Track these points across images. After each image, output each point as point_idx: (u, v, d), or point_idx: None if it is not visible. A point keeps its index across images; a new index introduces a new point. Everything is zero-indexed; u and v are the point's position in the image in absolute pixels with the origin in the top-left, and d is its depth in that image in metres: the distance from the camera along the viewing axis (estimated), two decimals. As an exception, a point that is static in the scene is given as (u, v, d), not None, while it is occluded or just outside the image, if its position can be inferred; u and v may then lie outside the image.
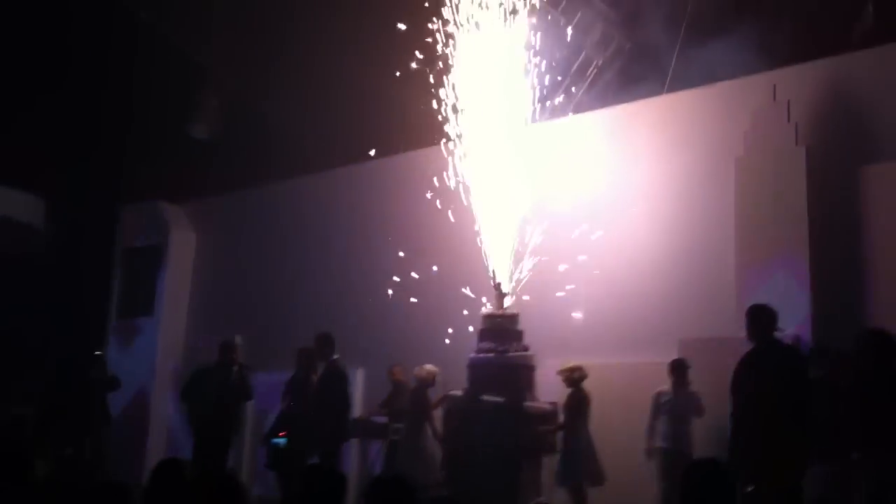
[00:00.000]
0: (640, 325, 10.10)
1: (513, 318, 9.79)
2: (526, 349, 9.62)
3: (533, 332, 9.87)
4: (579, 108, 11.13)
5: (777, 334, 7.13)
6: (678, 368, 9.09)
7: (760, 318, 7.07)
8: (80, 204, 15.29)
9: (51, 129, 12.48)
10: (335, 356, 9.88)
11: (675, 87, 10.83)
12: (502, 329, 9.66)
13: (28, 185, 15.79)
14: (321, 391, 9.78)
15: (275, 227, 14.15)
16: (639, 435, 9.26)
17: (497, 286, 9.94)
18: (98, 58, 11.50)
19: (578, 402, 9.26)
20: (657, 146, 10.64)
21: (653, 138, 10.69)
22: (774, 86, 9.78)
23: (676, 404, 9.01)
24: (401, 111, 10.07)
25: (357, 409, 11.01)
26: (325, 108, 10.78)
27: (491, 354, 9.46)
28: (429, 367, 10.04)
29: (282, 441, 9.71)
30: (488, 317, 9.80)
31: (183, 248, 15.16)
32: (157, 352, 14.65)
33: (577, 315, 10.45)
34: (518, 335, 9.69)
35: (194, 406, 10.53)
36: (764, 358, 6.91)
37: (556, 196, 10.65)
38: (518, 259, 10.12)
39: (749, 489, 6.38)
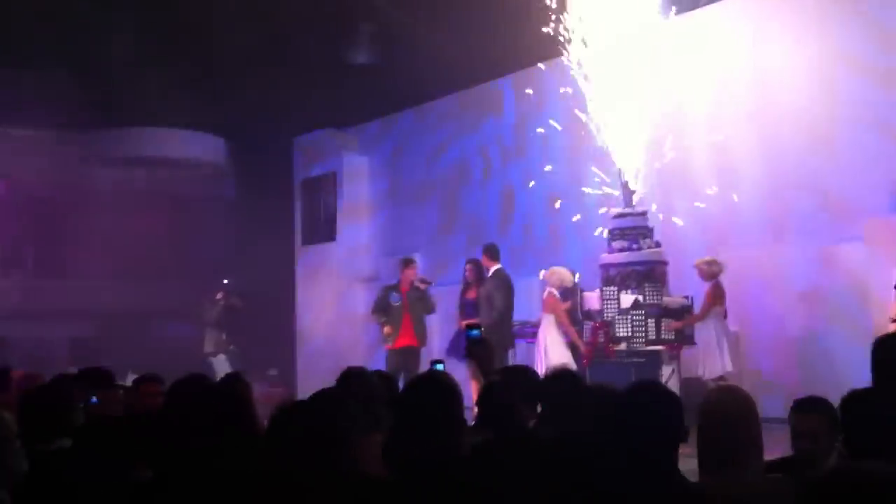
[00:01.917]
0: (819, 209, 9.76)
1: (642, 216, 9.78)
2: (658, 245, 9.61)
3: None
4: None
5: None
6: None
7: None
8: (258, 139, 15.97)
9: (222, 70, 13.00)
10: (497, 266, 10.05)
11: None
12: (633, 227, 9.69)
13: (210, 126, 16.69)
14: (485, 300, 10.00)
15: (438, 144, 14.44)
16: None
17: (625, 184, 9.88)
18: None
19: (715, 295, 9.12)
20: (823, 21, 10.03)
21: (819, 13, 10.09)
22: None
23: None
24: (535, 24, 10.04)
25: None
26: (467, 27, 10.82)
27: (623, 252, 9.54)
28: (558, 269, 10.04)
29: (476, 332, 9.91)
30: (618, 216, 9.82)
31: (356, 172, 15.65)
32: (342, 274, 15.30)
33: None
34: (649, 232, 9.68)
35: (383, 322, 10.99)
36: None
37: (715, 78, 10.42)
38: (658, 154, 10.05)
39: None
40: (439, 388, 3.36)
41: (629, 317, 9.25)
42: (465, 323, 10.27)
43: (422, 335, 10.94)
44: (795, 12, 10.26)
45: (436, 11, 10.77)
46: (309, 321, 15.77)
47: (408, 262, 11.11)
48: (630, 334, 9.20)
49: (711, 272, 9.19)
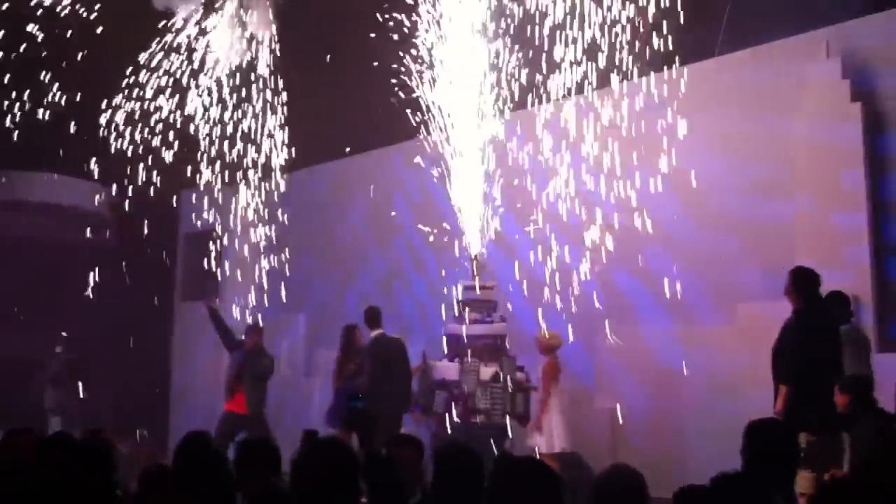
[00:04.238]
0: (692, 291, 10.02)
1: (490, 290, 9.92)
2: (503, 319, 9.74)
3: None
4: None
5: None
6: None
7: (802, 280, 6.97)
8: (143, 191, 15.60)
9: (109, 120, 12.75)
10: (377, 332, 9.96)
11: (725, 49, 10.57)
12: (483, 300, 9.80)
13: (92, 174, 16.21)
14: (366, 365, 9.89)
15: (324, 207, 14.47)
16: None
17: (474, 259, 10.07)
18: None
19: (552, 370, 9.33)
20: (710, 109, 10.38)
21: (704, 101, 10.42)
22: (827, 42, 9.57)
23: None
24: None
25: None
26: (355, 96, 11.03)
27: (476, 325, 9.57)
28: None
29: (359, 402, 9.76)
30: (469, 288, 9.91)
31: (243, 229, 15.38)
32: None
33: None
34: (495, 305, 9.81)
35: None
36: (805, 320, 6.85)
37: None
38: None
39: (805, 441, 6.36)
40: (340, 458, 3.39)
41: (488, 389, 9.27)
42: (337, 387, 10.21)
43: (254, 401, 10.62)
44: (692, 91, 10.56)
45: (324, 80, 10.93)
46: (185, 380, 15.30)
47: (252, 328, 10.99)
48: (490, 406, 9.23)
49: (550, 345, 9.38)
